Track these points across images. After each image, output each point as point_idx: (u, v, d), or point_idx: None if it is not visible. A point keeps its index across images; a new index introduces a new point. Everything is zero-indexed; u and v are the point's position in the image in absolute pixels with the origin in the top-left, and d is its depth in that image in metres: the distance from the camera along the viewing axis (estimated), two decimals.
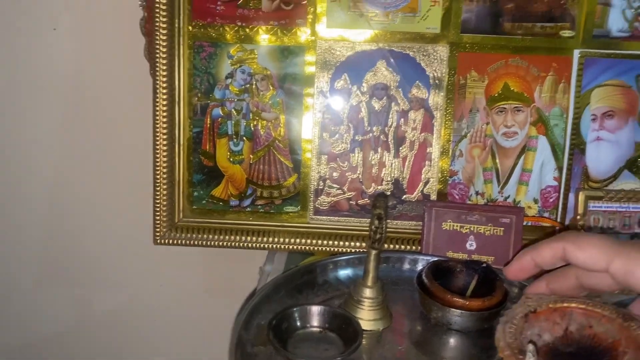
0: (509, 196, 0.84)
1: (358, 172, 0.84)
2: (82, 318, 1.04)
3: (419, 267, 0.75)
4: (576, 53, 0.80)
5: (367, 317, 0.64)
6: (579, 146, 0.82)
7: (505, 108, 0.82)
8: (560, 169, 0.83)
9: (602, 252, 0.52)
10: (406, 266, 0.77)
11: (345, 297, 0.66)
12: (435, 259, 0.73)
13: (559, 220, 0.83)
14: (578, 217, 0.77)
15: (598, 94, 0.81)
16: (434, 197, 0.84)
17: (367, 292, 0.64)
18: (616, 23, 0.80)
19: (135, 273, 1.00)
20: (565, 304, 0.57)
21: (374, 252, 0.63)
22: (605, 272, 0.51)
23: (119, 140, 0.92)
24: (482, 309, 0.62)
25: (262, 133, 0.83)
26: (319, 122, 0.83)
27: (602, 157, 0.82)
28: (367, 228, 0.83)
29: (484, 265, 0.68)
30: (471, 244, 0.80)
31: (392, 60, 0.81)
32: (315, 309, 0.62)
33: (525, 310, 0.60)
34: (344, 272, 0.73)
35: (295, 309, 0.61)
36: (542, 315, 0.59)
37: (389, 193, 0.84)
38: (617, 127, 0.82)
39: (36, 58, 0.90)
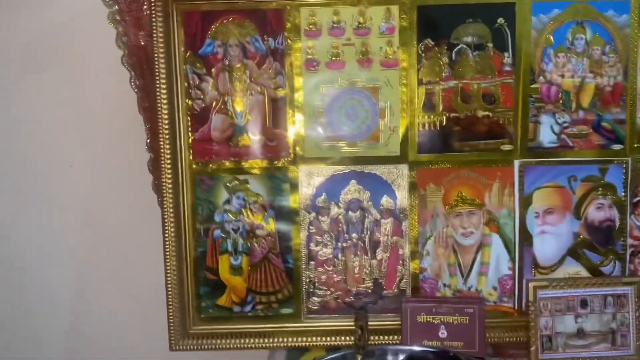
0: (472, 286, 1.02)
1: (342, 274, 1.03)
2: None
3: (400, 357, 0.92)
4: (516, 163, 1.00)
5: None
6: (526, 240, 1.01)
7: (461, 212, 1.01)
8: (513, 260, 1.02)
9: None
10: (389, 358, 0.94)
11: None
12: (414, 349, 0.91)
13: (516, 304, 1.01)
14: (529, 303, 0.95)
15: (538, 195, 1.01)
16: (408, 291, 1.02)
17: None
18: (546, 136, 1.00)
19: None
20: None
21: (359, 357, 0.81)
22: None
23: (134, 263, 1.10)
24: None
25: (257, 247, 1.02)
26: (305, 234, 1.02)
27: (546, 247, 1.02)
28: (354, 323, 1.01)
29: (452, 354, 0.85)
30: (443, 333, 0.98)
31: (362, 179, 1.01)
32: None
33: None
34: None
35: None
36: None
37: (370, 291, 1.02)
38: (557, 222, 1.01)
39: (53, 193, 1.09)
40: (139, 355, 1.14)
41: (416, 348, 0.93)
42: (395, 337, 1.01)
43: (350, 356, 0.86)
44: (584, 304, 0.96)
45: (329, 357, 0.90)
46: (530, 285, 0.95)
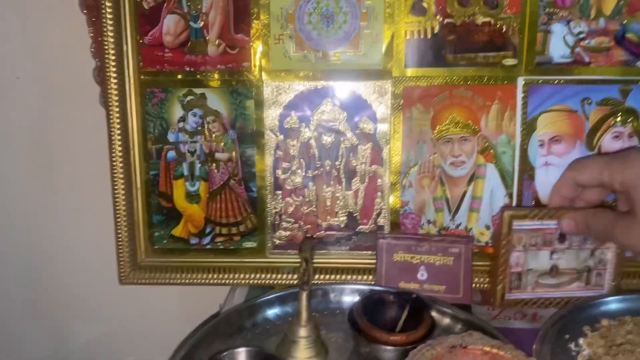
0: (460, 224, 0.92)
1: (312, 206, 0.93)
2: (60, 348, 1.16)
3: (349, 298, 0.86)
4: (520, 81, 0.88)
5: (302, 356, 0.74)
6: (527, 172, 0.90)
7: (451, 138, 0.90)
8: (510, 195, 0.91)
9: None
10: (339, 297, 0.87)
11: (282, 337, 0.75)
12: (377, 289, 0.82)
13: None
14: (502, 236, 0.84)
15: (544, 120, 0.89)
16: (387, 227, 0.93)
17: (301, 332, 0.73)
18: (558, 49, 0.87)
19: (106, 308, 1.11)
20: (500, 352, 0.66)
21: (304, 293, 0.72)
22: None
23: (80, 183, 1.03)
24: (406, 344, 0.71)
25: (217, 173, 0.93)
26: (272, 159, 0.92)
27: (551, 182, 0.89)
28: (325, 261, 0.93)
29: (414, 296, 0.77)
30: (422, 274, 0.88)
31: (337, 97, 0.90)
32: (242, 352, 0.70)
33: (456, 342, 0.69)
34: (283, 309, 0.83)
35: (223, 354, 0.70)
36: (471, 352, 0.68)
37: (343, 225, 0.93)
38: (564, 152, 0.89)
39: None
40: (94, 288, 1.09)
41: (377, 288, 0.84)
42: (370, 278, 0.92)
43: (293, 295, 0.78)
44: (562, 237, 0.84)
45: (267, 296, 0.82)
46: (506, 214, 0.84)
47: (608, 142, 0.89)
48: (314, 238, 0.92)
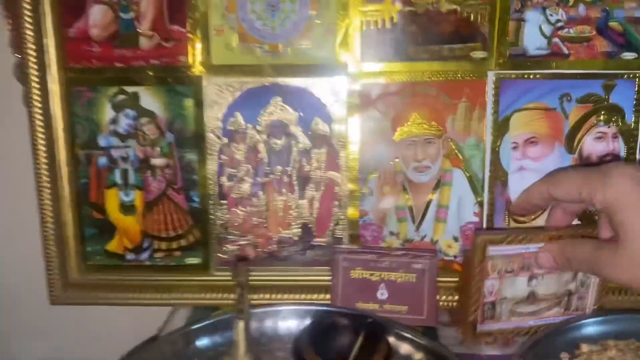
0: (425, 235, 0.83)
1: (262, 216, 0.84)
2: None
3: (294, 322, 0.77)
4: (490, 75, 0.79)
5: None
6: (500, 178, 0.81)
7: (414, 141, 0.81)
8: (480, 203, 0.82)
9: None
10: (284, 323, 0.77)
11: None
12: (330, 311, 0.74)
13: None
14: (474, 264, 0.74)
15: (518, 120, 0.80)
16: (345, 240, 0.84)
17: None
18: (533, 40, 0.78)
19: (40, 331, 1.02)
20: None
21: (241, 322, 0.64)
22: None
23: (4, 193, 0.94)
24: None
25: (153, 181, 0.84)
26: (215, 165, 0.83)
27: None
28: (277, 278, 0.84)
29: (370, 320, 0.68)
30: (382, 293, 0.79)
31: (287, 95, 0.80)
32: None
33: None
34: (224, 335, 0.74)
35: None
36: None
37: (297, 238, 0.84)
38: (541, 155, 0.81)
39: None
40: (21, 308, 1.00)
41: (331, 309, 0.76)
42: (328, 296, 0.83)
43: (225, 323, 0.69)
44: None
45: (199, 324, 0.73)
46: (479, 239, 0.72)
47: (590, 143, 0.80)
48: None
